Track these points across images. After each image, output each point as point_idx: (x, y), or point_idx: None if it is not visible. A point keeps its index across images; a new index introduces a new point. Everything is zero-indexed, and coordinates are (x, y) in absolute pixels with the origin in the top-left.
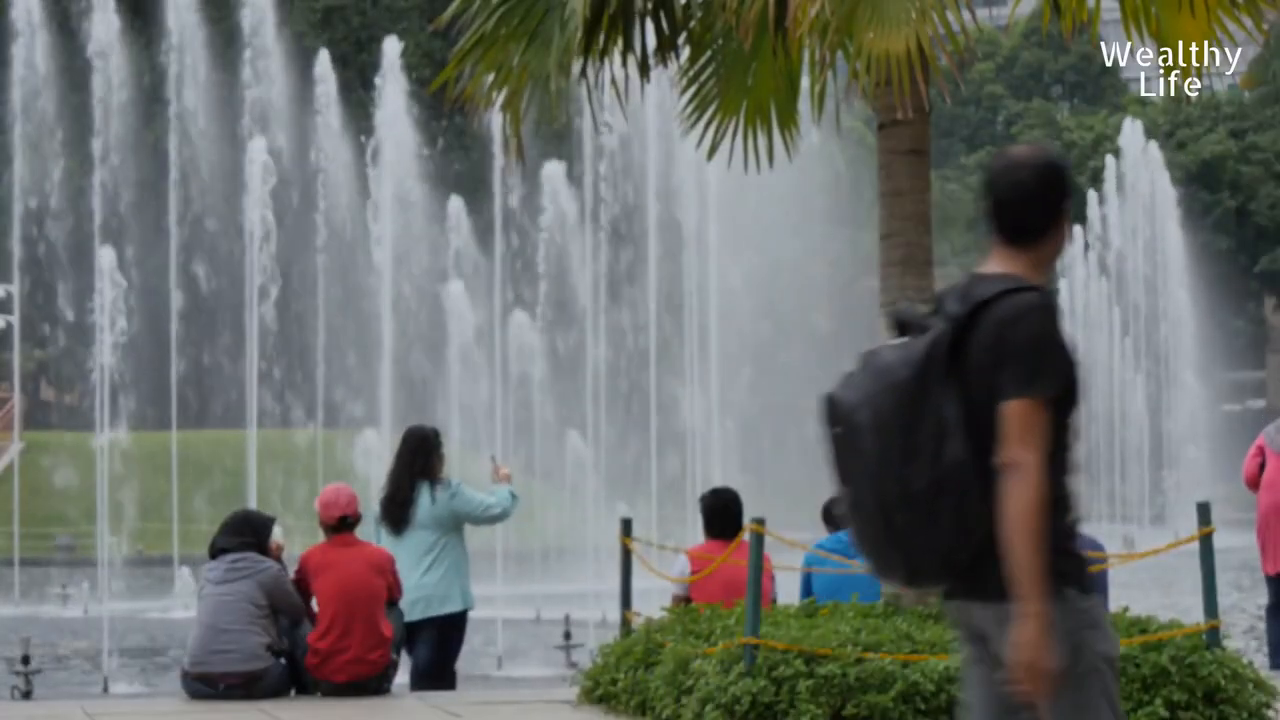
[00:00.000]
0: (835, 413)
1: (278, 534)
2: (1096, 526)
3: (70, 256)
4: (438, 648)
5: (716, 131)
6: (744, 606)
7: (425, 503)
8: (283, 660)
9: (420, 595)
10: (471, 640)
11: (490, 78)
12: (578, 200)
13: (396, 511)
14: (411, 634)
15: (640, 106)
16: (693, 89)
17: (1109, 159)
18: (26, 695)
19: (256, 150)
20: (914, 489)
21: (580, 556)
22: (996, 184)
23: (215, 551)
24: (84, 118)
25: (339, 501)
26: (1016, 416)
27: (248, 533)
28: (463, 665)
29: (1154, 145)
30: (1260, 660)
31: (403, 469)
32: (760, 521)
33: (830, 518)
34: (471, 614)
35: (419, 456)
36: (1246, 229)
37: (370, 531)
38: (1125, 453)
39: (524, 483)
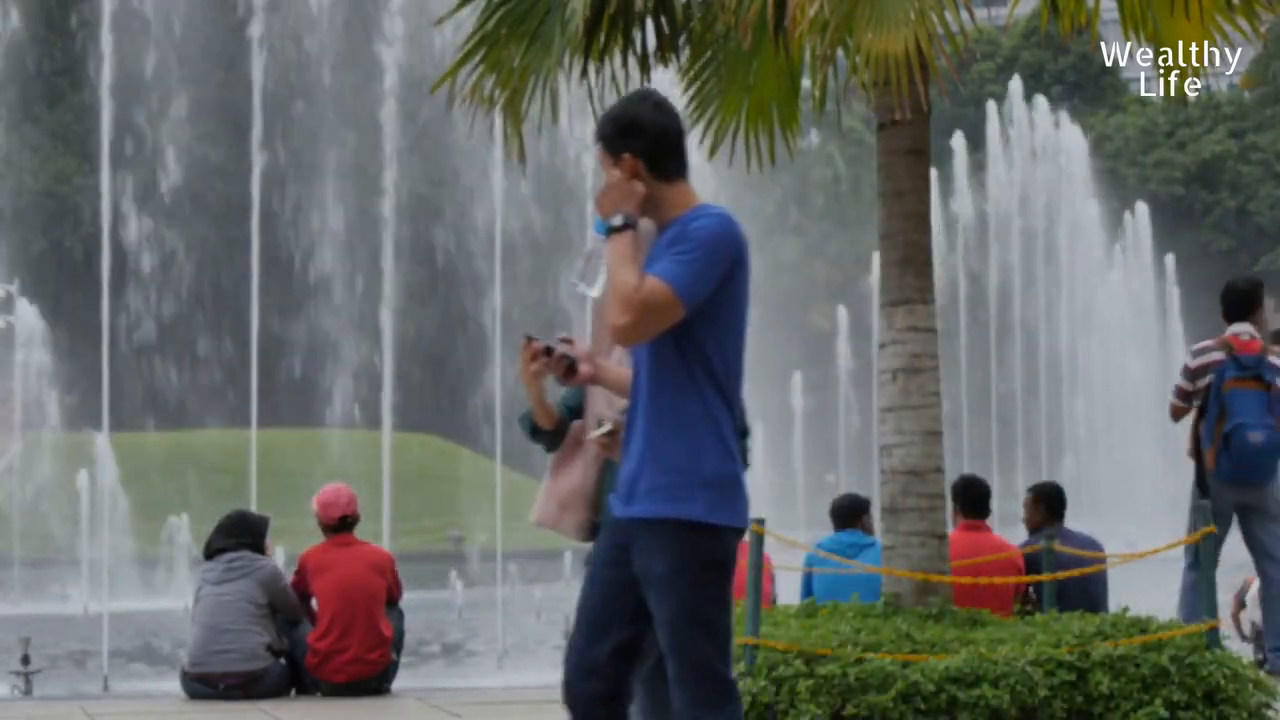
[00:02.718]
0: None
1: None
2: (1098, 526)
3: None
4: None
5: (717, 131)
6: (744, 606)
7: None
8: (282, 660)
9: None
10: (473, 639)
11: (491, 78)
12: None
13: None
14: None
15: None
16: (693, 89)
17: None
18: (26, 695)
19: None
20: None
21: (583, 558)
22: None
23: (211, 552)
24: None
25: (339, 502)
26: None
27: (244, 533)
28: (463, 664)
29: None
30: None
31: None
32: (760, 521)
33: (837, 515)
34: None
35: None
36: (1246, 229)
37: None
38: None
39: (527, 483)
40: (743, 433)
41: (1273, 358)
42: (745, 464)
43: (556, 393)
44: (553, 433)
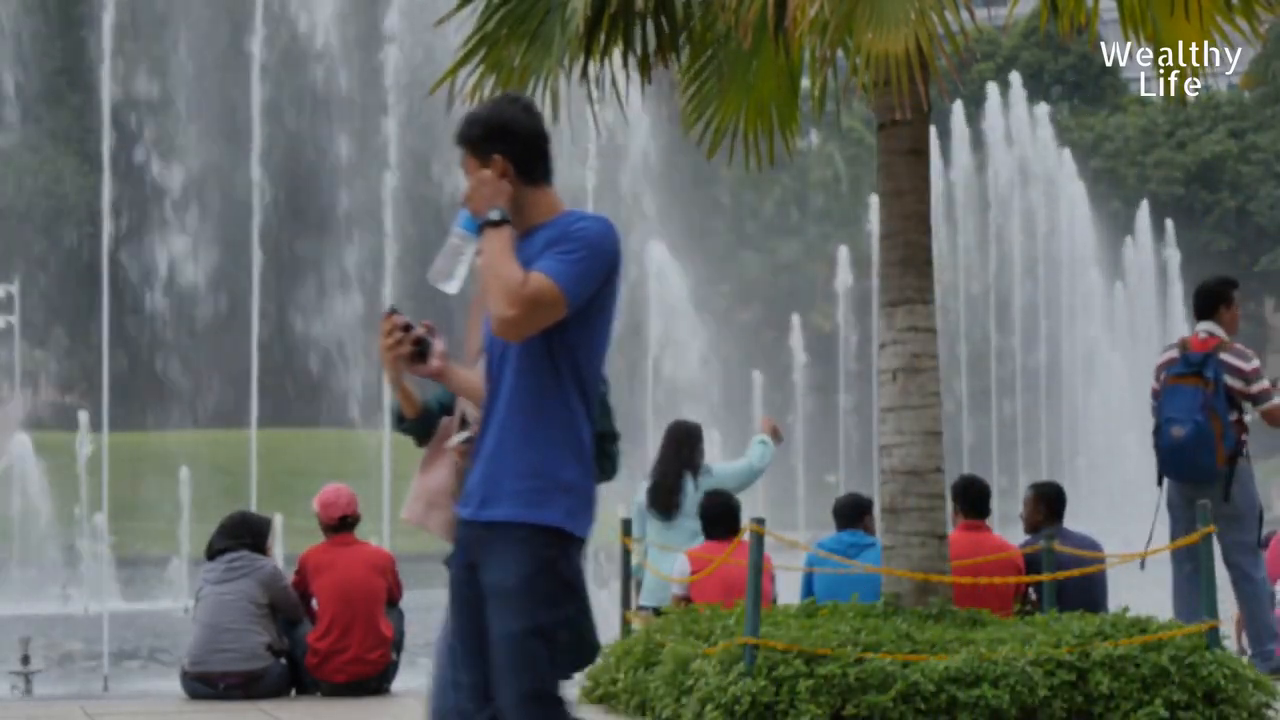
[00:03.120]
0: None
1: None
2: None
3: None
4: None
5: (717, 131)
6: (744, 606)
7: (690, 491)
8: (283, 660)
9: None
10: None
11: (491, 78)
12: None
13: (666, 498)
14: None
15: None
16: (693, 89)
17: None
18: (26, 695)
19: None
20: None
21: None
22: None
23: (213, 553)
24: None
25: (339, 502)
26: None
27: (245, 534)
28: None
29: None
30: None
31: (670, 458)
32: (760, 521)
33: (840, 515)
34: None
35: (684, 448)
36: (1246, 229)
37: (636, 522)
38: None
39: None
40: (613, 437)
41: (1226, 355)
42: (616, 469)
43: (432, 388)
44: (418, 424)
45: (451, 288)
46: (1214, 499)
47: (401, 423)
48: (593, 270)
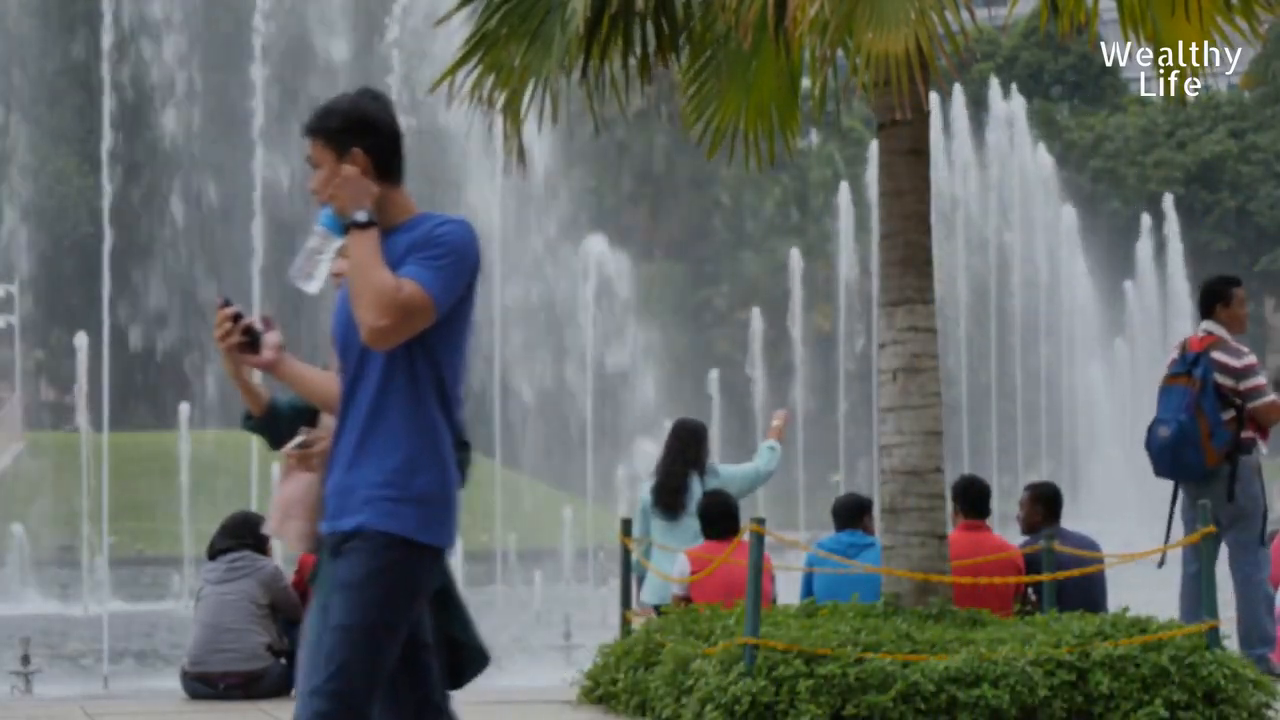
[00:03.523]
0: None
1: None
2: (1095, 526)
3: None
4: None
5: (717, 131)
6: (744, 606)
7: (696, 491)
8: (283, 660)
9: None
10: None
11: (491, 78)
12: None
13: (670, 498)
14: None
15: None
16: (693, 89)
17: None
18: (26, 695)
19: None
20: None
21: (583, 558)
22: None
23: (214, 553)
24: None
25: None
26: None
27: (246, 534)
28: None
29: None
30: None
31: (675, 458)
32: (760, 521)
33: (839, 515)
34: None
35: (689, 447)
36: (1246, 229)
37: (638, 520)
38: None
39: (529, 485)
40: (463, 445)
41: (1218, 354)
42: (464, 478)
43: (287, 389)
44: (264, 423)
45: (312, 287)
46: (1217, 498)
47: (247, 420)
48: (459, 276)
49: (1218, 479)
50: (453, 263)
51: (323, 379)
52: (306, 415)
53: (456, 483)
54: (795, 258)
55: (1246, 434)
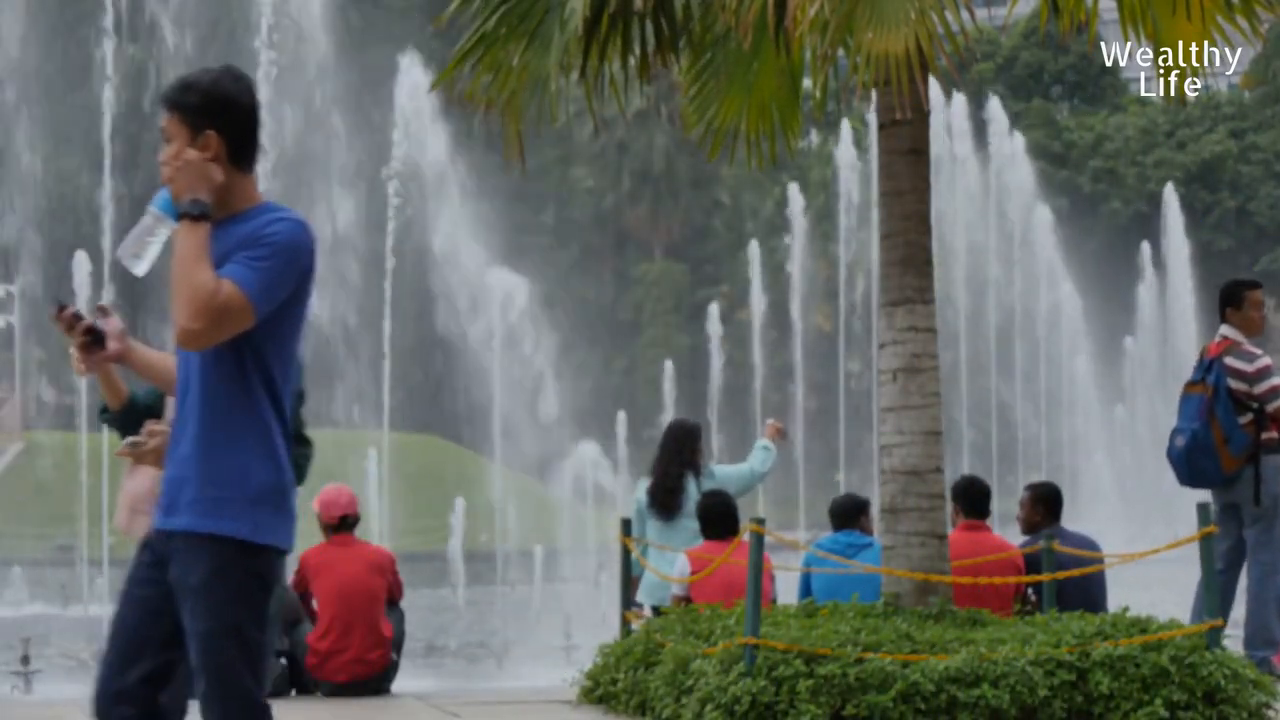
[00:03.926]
0: None
1: None
2: (1094, 526)
3: None
4: None
5: (718, 132)
6: (744, 606)
7: (691, 491)
8: (283, 660)
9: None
10: (472, 639)
11: (490, 78)
12: None
13: (666, 498)
14: None
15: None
16: (693, 89)
17: None
18: (26, 695)
19: None
20: None
21: (583, 558)
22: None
23: None
24: None
25: (339, 501)
26: None
27: None
28: (463, 664)
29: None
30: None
31: (670, 458)
32: (760, 521)
33: (837, 515)
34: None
35: (685, 448)
36: (1246, 229)
37: (634, 521)
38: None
39: (527, 485)
40: (304, 441)
41: (1230, 358)
42: (303, 475)
43: (142, 381)
44: (121, 415)
45: (139, 269)
46: (1245, 501)
47: (103, 413)
48: (284, 277)
49: (1242, 482)
50: (277, 264)
51: (170, 364)
52: (160, 407)
53: (291, 482)
54: (754, 248)
55: (1268, 435)
